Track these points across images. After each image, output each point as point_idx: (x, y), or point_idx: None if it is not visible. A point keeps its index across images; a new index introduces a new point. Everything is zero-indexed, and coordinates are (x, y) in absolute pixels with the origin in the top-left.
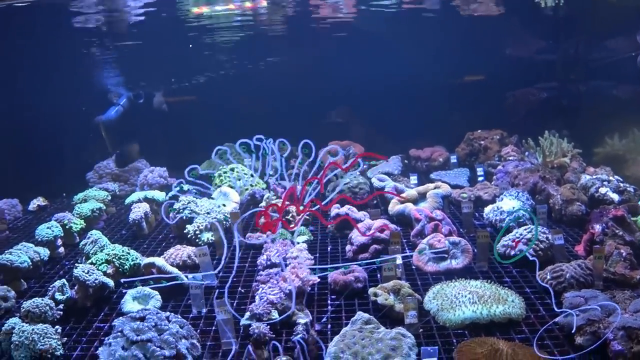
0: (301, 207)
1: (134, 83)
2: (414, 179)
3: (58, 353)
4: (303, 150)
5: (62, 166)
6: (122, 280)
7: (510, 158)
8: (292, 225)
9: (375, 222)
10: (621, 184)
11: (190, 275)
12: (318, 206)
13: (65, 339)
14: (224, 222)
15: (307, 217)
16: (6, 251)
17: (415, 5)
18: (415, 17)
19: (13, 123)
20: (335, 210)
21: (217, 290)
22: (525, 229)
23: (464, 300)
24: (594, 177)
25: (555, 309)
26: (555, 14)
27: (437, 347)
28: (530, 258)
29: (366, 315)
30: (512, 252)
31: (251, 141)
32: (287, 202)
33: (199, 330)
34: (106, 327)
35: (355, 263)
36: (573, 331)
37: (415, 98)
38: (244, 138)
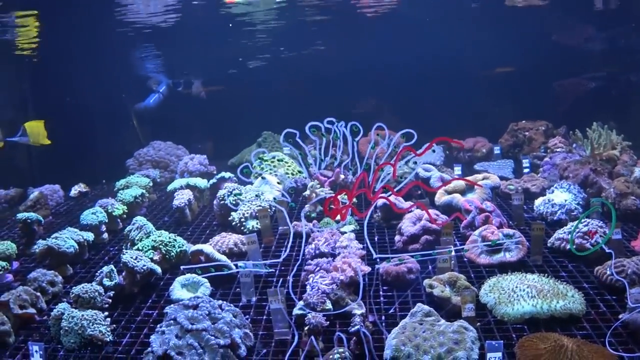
0: (372, 194)
1: (173, 71)
2: (458, 169)
3: (107, 339)
4: (375, 134)
5: (102, 153)
6: (182, 268)
7: (558, 150)
8: (361, 214)
9: (424, 212)
10: None
11: (240, 263)
12: (390, 192)
13: (114, 325)
14: (270, 210)
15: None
16: (52, 236)
17: None
18: (459, 5)
19: (54, 110)
20: (381, 200)
21: (270, 278)
22: (581, 222)
23: (522, 294)
24: None
25: (629, 303)
26: (604, 1)
27: (501, 341)
28: (607, 250)
29: (426, 308)
30: (567, 246)
31: (322, 124)
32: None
33: (249, 320)
34: (155, 314)
35: (416, 253)
36: None
37: (456, 87)
38: (279, 126)
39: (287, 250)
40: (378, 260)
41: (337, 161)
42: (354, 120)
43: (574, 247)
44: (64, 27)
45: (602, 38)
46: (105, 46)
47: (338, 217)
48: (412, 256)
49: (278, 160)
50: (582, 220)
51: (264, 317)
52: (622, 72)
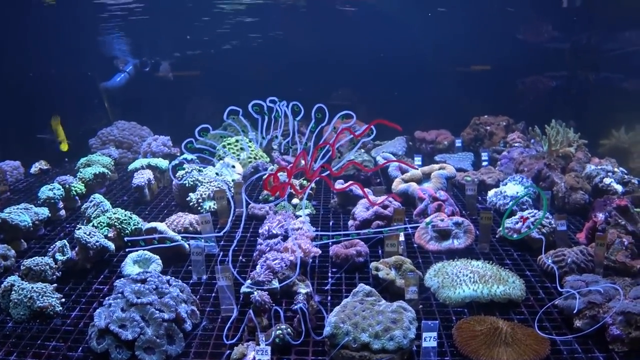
0: (310, 173)
1: (141, 50)
2: (418, 160)
3: (57, 310)
4: (316, 115)
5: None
6: (126, 239)
7: (516, 144)
8: (300, 191)
9: (380, 198)
10: (625, 176)
11: (191, 241)
12: (328, 172)
13: (64, 299)
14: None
15: (309, 191)
16: (6, 210)
17: None
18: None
19: (17, 86)
20: (339, 186)
21: (219, 257)
22: (528, 213)
23: (464, 279)
24: (599, 167)
25: (559, 288)
26: (569, 2)
27: (437, 321)
28: (537, 236)
29: (367, 288)
30: (516, 236)
31: (264, 102)
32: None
33: (198, 297)
34: (105, 289)
35: (363, 232)
36: (575, 312)
37: (422, 80)
38: (253, 102)
39: (227, 228)
40: (318, 236)
41: (277, 139)
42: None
43: (506, 231)
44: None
45: (566, 38)
46: (72, 22)
47: (296, 201)
48: (358, 235)
49: (241, 144)
50: (530, 212)
51: (213, 295)
52: (582, 72)
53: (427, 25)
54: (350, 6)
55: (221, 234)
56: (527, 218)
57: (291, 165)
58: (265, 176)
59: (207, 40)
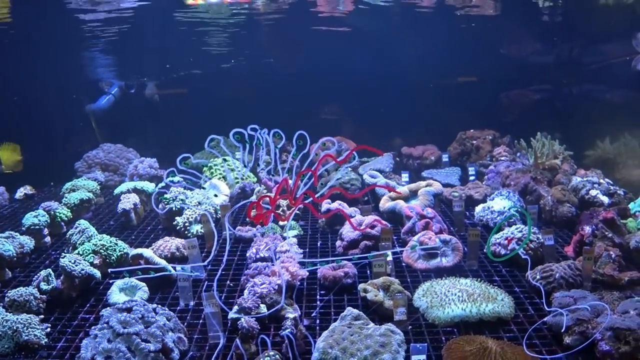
0: (293, 200)
1: (126, 72)
2: (405, 176)
3: (43, 342)
4: (297, 142)
5: (50, 155)
6: (109, 270)
7: (502, 158)
8: (283, 218)
9: (367, 218)
10: (611, 187)
11: (178, 267)
12: (311, 199)
13: (49, 328)
14: (214, 214)
15: (297, 212)
16: None
17: (410, 1)
18: (410, 14)
19: (1, 110)
20: (326, 205)
21: (205, 283)
22: (516, 228)
23: (453, 298)
24: (585, 179)
25: (546, 307)
26: (551, 16)
27: (426, 344)
28: (523, 256)
29: (355, 311)
30: (504, 252)
31: (245, 131)
32: (279, 195)
33: (186, 324)
34: (92, 318)
35: (346, 258)
36: (563, 330)
37: (408, 96)
38: (234, 131)
39: (213, 254)
40: (305, 263)
41: (260, 166)
42: (308, 127)
43: (492, 249)
44: (11, 24)
45: (548, 51)
46: (56, 44)
47: (283, 223)
48: (344, 261)
49: (228, 164)
50: (517, 226)
51: (200, 321)
52: (566, 85)
53: (413, 42)
54: (337, 25)
55: (206, 263)
56: (513, 239)
57: (274, 192)
58: (249, 204)
59: (193, 62)
